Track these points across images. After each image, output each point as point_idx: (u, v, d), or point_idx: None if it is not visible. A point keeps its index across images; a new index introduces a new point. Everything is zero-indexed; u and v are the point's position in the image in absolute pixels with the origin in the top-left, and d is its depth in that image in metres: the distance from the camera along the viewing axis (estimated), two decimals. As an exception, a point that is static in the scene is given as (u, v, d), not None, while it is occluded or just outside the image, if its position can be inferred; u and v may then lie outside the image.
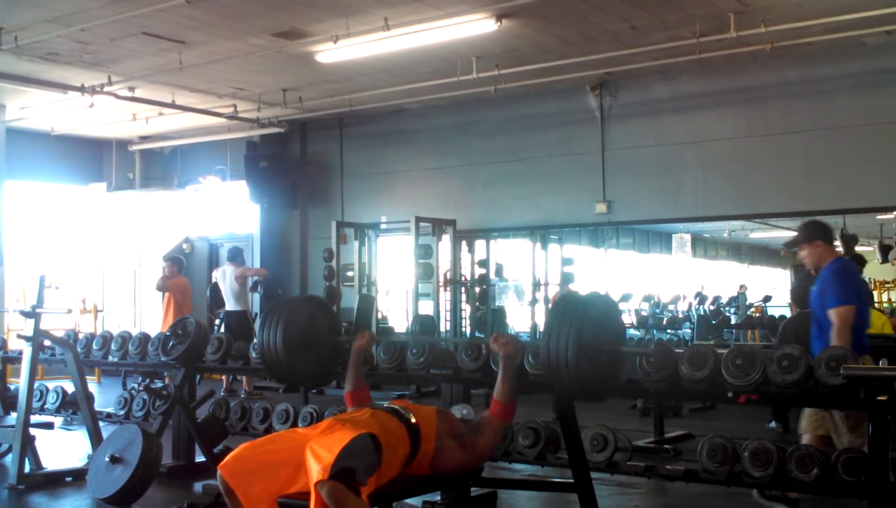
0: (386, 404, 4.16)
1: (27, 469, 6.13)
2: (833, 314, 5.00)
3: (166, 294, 11.17)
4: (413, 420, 3.92)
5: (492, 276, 13.39)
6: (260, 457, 3.58)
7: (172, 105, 11.75)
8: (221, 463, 3.56)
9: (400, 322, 13.30)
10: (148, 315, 10.95)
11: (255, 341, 6.51)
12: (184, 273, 11.29)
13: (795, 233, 5.46)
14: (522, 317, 14.54)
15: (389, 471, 3.70)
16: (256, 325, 11.89)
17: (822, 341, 5.06)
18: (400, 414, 3.93)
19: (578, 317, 3.85)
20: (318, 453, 3.45)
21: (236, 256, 11.39)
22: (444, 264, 11.83)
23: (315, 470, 3.40)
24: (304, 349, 4.65)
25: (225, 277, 11.19)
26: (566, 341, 3.78)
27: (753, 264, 30.67)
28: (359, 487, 3.39)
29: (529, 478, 5.92)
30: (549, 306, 13.11)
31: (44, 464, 6.34)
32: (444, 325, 11.95)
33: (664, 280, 22.77)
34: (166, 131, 14.08)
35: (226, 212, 14.81)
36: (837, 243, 10.82)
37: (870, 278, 21.14)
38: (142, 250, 14.84)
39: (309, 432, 3.70)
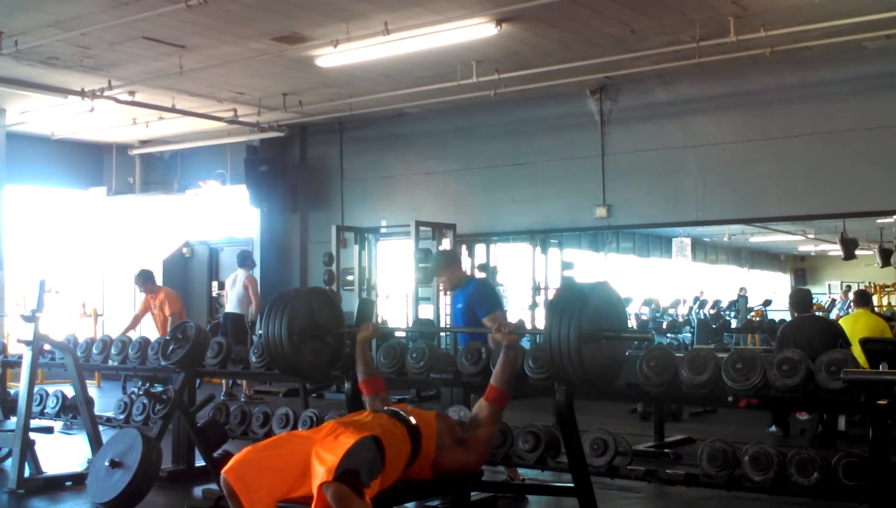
0: (386, 408, 4.17)
1: (27, 473, 6.13)
2: (490, 321, 5.83)
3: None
4: (413, 421, 3.95)
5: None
6: (266, 462, 3.57)
7: (172, 109, 11.76)
8: (226, 468, 3.55)
9: (400, 326, 13.28)
10: (148, 319, 10.94)
11: (253, 344, 6.53)
12: (158, 282, 11.28)
13: (434, 264, 6.53)
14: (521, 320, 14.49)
15: (393, 472, 3.71)
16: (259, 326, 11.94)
17: None
18: (400, 416, 3.97)
19: (580, 306, 3.82)
20: (322, 456, 3.46)
21: (246, 260, 11.44)
22: (444, 267, 11.80)
23: (319, 473, 3.41)
24: (308, 340, 4.67)
25: (234, 282, 11.25)
26: (568, 329, 3.76)
27: (753, 267, 30.69)
28: (363, 489, 3.40)
29: (529, 482, 5.91)
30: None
31: (43, 469, 6.34)
32: (444, 329, 11.92)
33: (664, 284, 22.77)
34: (166, 135, 14.08)
35: (226, 216, 14.80)
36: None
37: (869, 282, 21.26)
38: (142, 254, 14.82)
39: (312, 435, 3.71)
